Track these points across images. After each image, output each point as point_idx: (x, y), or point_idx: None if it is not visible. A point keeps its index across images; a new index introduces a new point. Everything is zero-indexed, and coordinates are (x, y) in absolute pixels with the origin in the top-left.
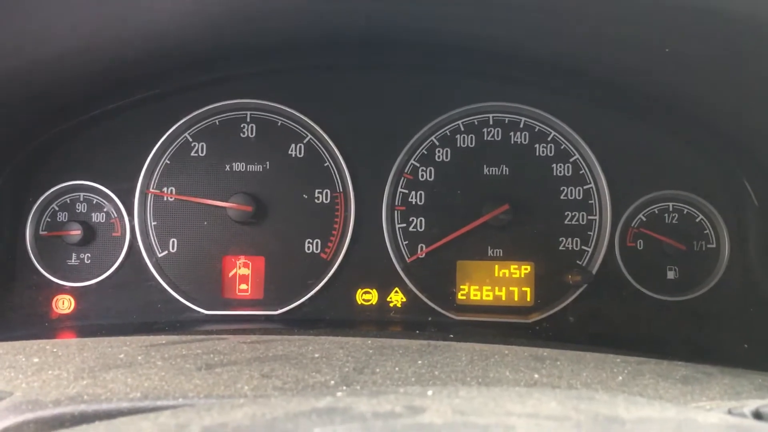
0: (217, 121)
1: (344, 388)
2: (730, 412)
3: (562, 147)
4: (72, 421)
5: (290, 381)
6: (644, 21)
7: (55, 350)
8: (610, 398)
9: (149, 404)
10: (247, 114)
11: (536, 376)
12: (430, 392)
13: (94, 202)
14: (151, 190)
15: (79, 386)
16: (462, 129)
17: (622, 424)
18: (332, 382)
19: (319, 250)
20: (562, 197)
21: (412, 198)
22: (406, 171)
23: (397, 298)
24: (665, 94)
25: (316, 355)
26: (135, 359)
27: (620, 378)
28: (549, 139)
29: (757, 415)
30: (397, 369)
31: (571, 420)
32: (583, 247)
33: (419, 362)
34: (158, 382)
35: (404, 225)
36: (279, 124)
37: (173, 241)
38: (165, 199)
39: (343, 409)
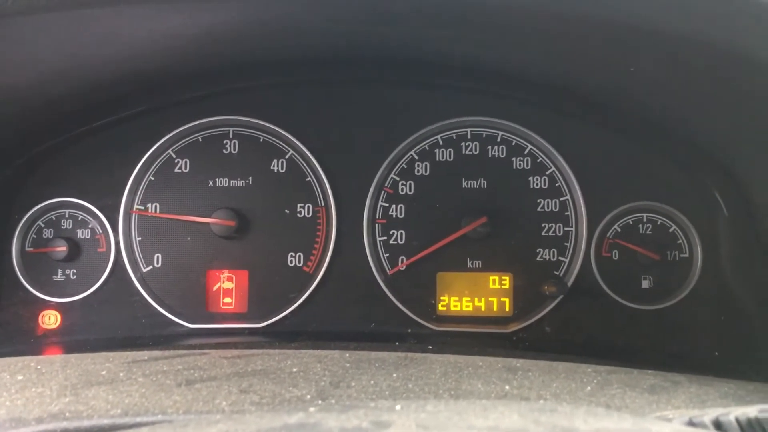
0: (200, 137)
1: (319, 402)
2: (690, 420)
3: (538, 160)
4: None
5: (267, 396)
6: (617, 43)
7: (39, 367)
8: (571, 410)
9: (129, 421)
10: (229, 130)
11: (507, 387)
12: (398, 407)
13: (80, 219)
14: (135, 208)
15: (62, 403)
16: (441, 143)
17: None
18: (308, 396)
19: (301, 264)
20: (539, 209)
21: (392, 211)
22: (386, 185)
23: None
24: (638, 109)
25: (294, 370)
26: (117, 376)
27: (589, 388)
28: (526, 152)
29: (717, 424)
30: (372, 383)
31: None
32: (560, 258)
33: (394, 375)
34: (138, 398)
35: (385, 238)
36: (261, 140)
37: (158, 257)
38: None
39: (312, 425)
